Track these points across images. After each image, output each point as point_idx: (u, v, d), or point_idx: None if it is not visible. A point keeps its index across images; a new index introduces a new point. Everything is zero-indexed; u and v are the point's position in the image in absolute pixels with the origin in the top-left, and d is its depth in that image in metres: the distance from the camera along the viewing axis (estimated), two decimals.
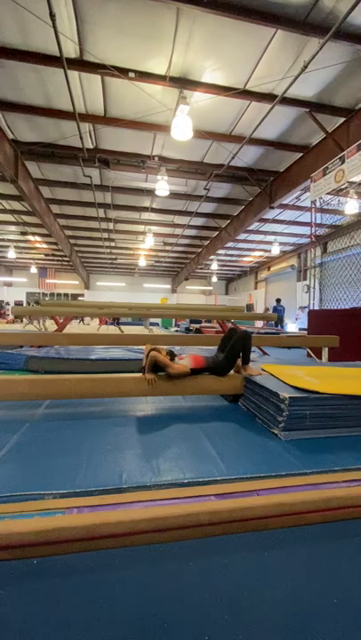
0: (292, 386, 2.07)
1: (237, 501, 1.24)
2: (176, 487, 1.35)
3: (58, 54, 3.99)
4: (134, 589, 0.97)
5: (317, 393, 1.94)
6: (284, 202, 8.35)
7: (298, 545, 1.17)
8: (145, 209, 10.29)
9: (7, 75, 4.85)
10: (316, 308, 6.40)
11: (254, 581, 1.01)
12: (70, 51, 4.36)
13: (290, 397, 1.85)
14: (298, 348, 5.80)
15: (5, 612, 0.89)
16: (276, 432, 1.90)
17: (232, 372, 2.56)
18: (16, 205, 9.91)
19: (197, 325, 10.08)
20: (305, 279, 13.93)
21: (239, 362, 2.60)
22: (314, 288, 6.53)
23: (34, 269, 19.38)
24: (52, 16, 3.44)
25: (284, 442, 1.82)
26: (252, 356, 4.86)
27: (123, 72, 4.58)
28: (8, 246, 14.88)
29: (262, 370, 2.58)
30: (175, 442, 1.83)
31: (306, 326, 6.46)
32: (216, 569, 1.05)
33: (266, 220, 10.68)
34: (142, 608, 0.91)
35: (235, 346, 2.50)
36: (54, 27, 3.58)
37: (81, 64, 4.56)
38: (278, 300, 12.31)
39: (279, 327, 11.49)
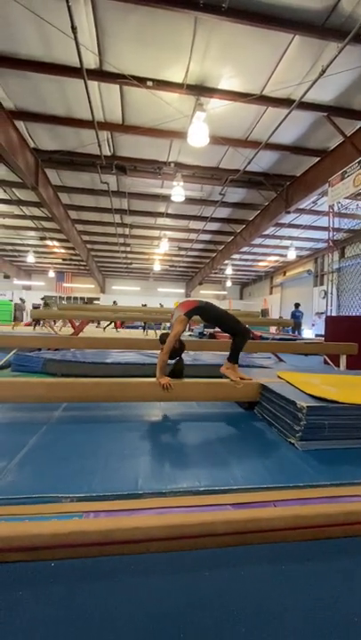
0: (309, 394, 2.03)
1: (254, 512, 1.22)
2: (192, 495, 1.34)
3: (78, 65, 4.11)
4: (150, 597, 0.96)
5: (336, 402, 1.90)
6: (301, 206, 8.26)
7: (317, 560, 1.14)
8: (160, 214, 10.39)
9: (30, 86, 5.03)
10: (334, 314, 6.27)
11: (272, 595, 0.99)
12: (90, 62, 4.49)
13: (308, 407, 1.81)
14: (315, 355, 5.69)
15: (23, 614, 0.90)
16: (293, 441, 1.86)
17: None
18: (36, 211, 10.21)
19: (211, 330, 10.03)
20: (322, 284, 13.68)
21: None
22: (331, 294, 6.40)
23: (52, 273, 19.83)
24: (74, 29, 3.55)
25: (302, 452, 1.79)
26: (268, 362, 4.81)
27: (141, 81, 4.67)
28: (28, 251, 15.32)
29: (278, 377, 2.54)
30: (190, 448, 1.82)
31: (323, 333, 6.33)
32: (232, 580, 1.03)
33: (282, 225, 10.59)
34: (158, 617, 0.91)
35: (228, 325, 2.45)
36: (76, 39, 3.70)
37: (100, 74, 4.68)
38: (297, 305, 12.10)
39: (296, 333, 11.29)
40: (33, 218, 10.81)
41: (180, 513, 1.19)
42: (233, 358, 2.50)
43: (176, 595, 0.97)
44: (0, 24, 3.99)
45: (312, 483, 1.48)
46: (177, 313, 2.43)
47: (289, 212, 8.10)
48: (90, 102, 4.81)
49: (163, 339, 2.40)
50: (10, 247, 15.31)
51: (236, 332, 2.50)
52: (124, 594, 0.96)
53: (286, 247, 13.08)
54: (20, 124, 5.90)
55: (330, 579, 1.06)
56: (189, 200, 8.78)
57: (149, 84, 4.75)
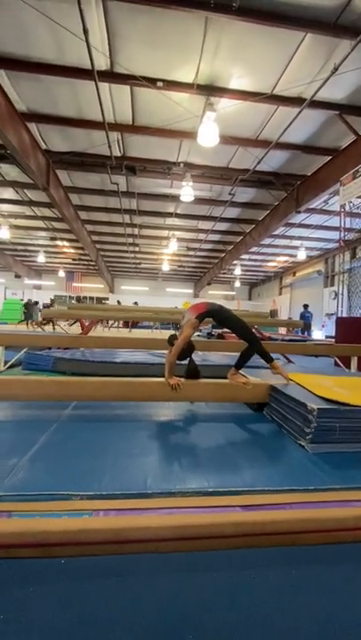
0: (320, 396, 2.00)
1: (263, 514, 1.21)
2: (200, 496, 1.34)
3: (90, 67, 4.15)
4: (159, 597, 0.96)
5: (348, 405, 1.87)
6: (311, 206, 8.16)
7: (328, 564, 1.12)
8: (169, 214, 10.41)
9: (43, 89, 5.10)
10: (345, 315, 6.18)
11: (282, 599, 0.98)
12: (101, 63, 4.52)
13: (318, 409, 1.79)
14: (325, 356, 5.61)
15: (34, 610, 0.91)
16: (303, 444, 1.84)
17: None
18: (46, 212, 10.34)
19: (219, 330, 10.00)
20: (332, 285, 13.50)
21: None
22: (342, 294, 6.31)
23: (62, 273, 20.05)
24: (85, 31, 3.59)
25: (312, 454, 1.76)
26: (277, 363, 4.76)
27: (151, 82, 4.69)
28: (38, 251, 15.53)
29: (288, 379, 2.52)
30: (199, 449, 1.82)
31: (333, 334, 6.25)
32: (242, 583, 1.02)
33: (292, 225, 10.48)
34: (166, 617, 0.91)
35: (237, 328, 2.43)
36: (87, 41, 3.74)
37: (111, 76, 4.71)
38: (306, 306, 11.99)
39: (306, 334, 11.17)
40: (44, 218, 10.95)
41: (190, 514, 1.19)
42: (238, 365, 2.48)
43: (185, 596, 0.97)
44: (14, 29, 4.06)
45: (322, 486, 1.46)
46: (188, 316, 2.41)
47: (299, 212, 8.02)
48: (100, 103, 4.85)
49: (171, 340, 2.39)
50: (21, 247, 15.54)
51: (248, 340, 2.46)
52: (133, 593, 0.97)
53: (296, 247, 12.96)
54: (33, 126, 5.99)
55: (341, 584, 1.05)
56: (199, 200, 8.77)
57: (160, 84, 4.76)
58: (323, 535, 1.20)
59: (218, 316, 2.47)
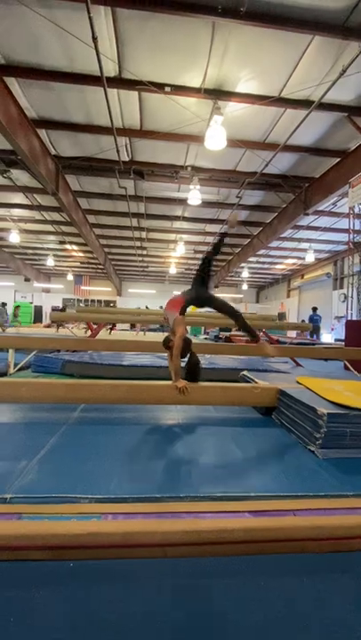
0: (330, 401, 1.98)
1: (273, 520, 1.19)
2: (209, 500, 1.33)
3: (99, 74, 4.20)
4: (167, 602, 0.96)
5: (359, 410, 1.84)
6: (320, 208, 8.10)
7: (339, 573, 1.10)
8: (177, 218, 10.44)
9: (53, 96, 5.19)
10: (355, 318, 6.10)
11: (292, 607, 0.97)
12: (110, 70, 4.58)
13: (328, 413, 1.77)
14: (335, 360, 5.54)
15: (43, 612, 0.91)
16: (312, 449, 1.81)
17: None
18: (56, 216, 10.47)
19: (227, 334, 9.96)
20: (342, 288, 13.35)
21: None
22: (352, 297, 6.24)
23: (70, 276, 20.26)
24: (95, 39, 3.64)
25: (322, 460, 1.74)
26: (285, 367, 4.72)
27: (159, 87, 4.73)
28: (47, 255, 15.73)
29: (297, 382, 2.49)
30: (206, 453, 1.81)
31: (342, 337, 6.17)
32: (251, 590, 1.01)
33: (300, 227, 10.41)
34: (175, 622, 0.90)
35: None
36: (96, 49, 3.78)
37: (120, 82, 4.77)
38: (315, 309, 11.86)
39: (315, 337, 11.04)
40: (53, 222, 11.10)
41: (198, 518, 1.18)
42: (252, 335, 2.57)
43: (194, 601, 0.96)
44: (26, 38, 4.15)
45: (333, 493, 1.44)
46: (170, 315, 2.42)
47: (308, 214, 7.97)
48: (109, 109, 4.90)
49: (167, 343, 2.38)
50: (31, 251, 15.76)
51: (232, 315, 2.58)
52: (142, 597, 0.97)
53: (304, 250, 12.85)
54: (42, 132, 6.09)
55: (351, 593, 1.03)
56: (206, 203, 8.78)
57: (167, 89, 4.80)
58: (333, 543, 1.18)
59: (197, 300, 2.56)
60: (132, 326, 13.30)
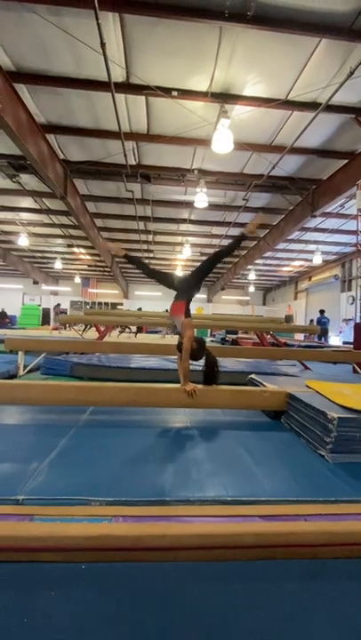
0: (340, 405, 1.96)
1: (283, 525, 1.19)
2: (219, 504, 1.33)
3: (107, 79, 4.26)
4: (179, 606, 0.96)
5: None
6: (328, 210, 8.06)
7: (351, 579, 1.09)
8: (183, 220, 10.48)
9: (61, 101, 5.27)
10: None
11: (303, 614, 0.96)
12: (118, 75, 4.63)
13: (339, 417, 1.75)
14: (343, 363, 5.48)
15: (55, 614, 0.92)
16: (322, 454, 1.80)
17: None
18: (64, 220, 10.59)
19: (234, 336, 9.93)
20: (350, 290, 13.22)
21: None
22: (360, 299, 6.17)
23: (78, 279, 20.43)
24: (103, 45, 3.69)
25: (332, 465, 1.72)
26: (293, 370, 4.69)
27: (166, 91, 4.77)
28: (55, 258, 15.89)
29: (307, 386, 2.48)
30: (216, 457, 1.80)
31: (351, 340, 6.10)
32: (262, 595, 1.01)
33: (307, 229, 10.36)
34: (186, 627, 0.90)
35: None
36: (104, 54, 3.84)
37: (127, 87, 4.83)
38: (322, 312, 11.76)
39: (323, 340, 10.95)
40: (61, 226, 11.22)
41: (208, 522, 1.18)
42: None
43: (205, 606, 0.96)
44: (35, 45, 4.22)
45: (344, 498, 1.42)
46: (177, 319, 2.44)
47: (315, 216, 7.93)
48: (117, 114, 4.96)
49: (180, 346, 2.39)
50: (39, 254, 15.94)
51: (218, 253, 2.88)
52: (153, 601, 0.97)
53: (312, 252, 12.77)
54: (51, 137, 6.18)
55: None
56: (212, 206, 8.79)
57: (174, 93, 4.84)
58: (345, 549, 1.17)
59: (191, 286, 2.63)
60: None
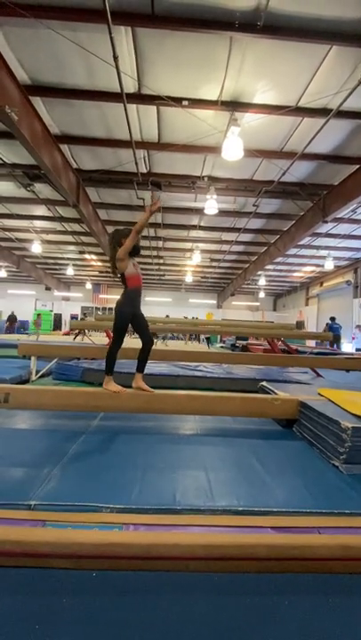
0: (354, 414, 1.92)
1: (297, 538, 1.16)
2: (231, 514, 1.31)
3: (119, 91, 4.36)
4: (190, 618, 0.94)
5: None
6: (339, 215, 7.97)
7: None
8: (193, 227, 10.53)
9: (75, 113, 5.40)
10: None
11: (319, 632, 0.93)
12: (130, 86, 4.73)
13: (353, 427, 1.71)
14: (357, 370, 5.37)
15: (66, 622, 0.92)
16: (336, 464, 1.76)
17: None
18: (76, 227, 10.78)
19: (244, 342, 9.86)
20: None
21: None
22: None
23: (89, 285, 20.72)
24: (116, 58, 3.78)
25: (347, 476, 1.68)
26: (305, 377, 4.62)
27: (177, 101, 4.84)
28: (67, 264, 16.18)
29: (319, 394, 2.44)
30: (227, 465, 1.79)
31: None
32: (275, 609, 0.98)
33: (318, 235, 10.27)
34: (198, 639, 0.89)
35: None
36: (117, 67, 3.93)
37: (139, 97, 4.92)
38: (333, 319, 11.58)
39: (335, 347, 10.76)
40: (73, 233, 11.42)
41: (220, 533, 1.16)
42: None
43: (217, 618, 0.95)
44: (50, 59, 4.36)
45: (359, 510, 1.38)
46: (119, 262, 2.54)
47: (326, 222, 7.86)
48: (128, 124, 5.05)
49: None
50: (52, 261, 16.26)
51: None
52: (164, 611, 0.96)
53: (323, 257, 12.63)
54: (65, 147, 6.33)
55: None
56: (222, 212, 8.81)
57: (185, 103, 4.91)
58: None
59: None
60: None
